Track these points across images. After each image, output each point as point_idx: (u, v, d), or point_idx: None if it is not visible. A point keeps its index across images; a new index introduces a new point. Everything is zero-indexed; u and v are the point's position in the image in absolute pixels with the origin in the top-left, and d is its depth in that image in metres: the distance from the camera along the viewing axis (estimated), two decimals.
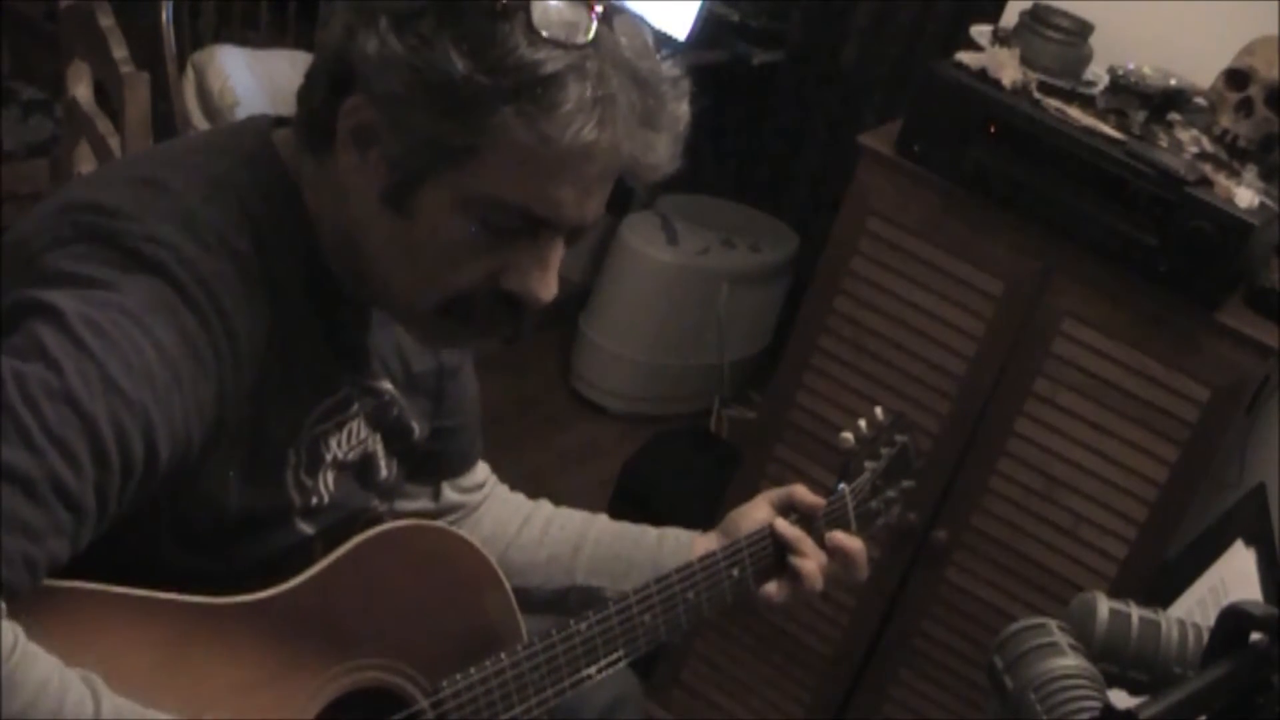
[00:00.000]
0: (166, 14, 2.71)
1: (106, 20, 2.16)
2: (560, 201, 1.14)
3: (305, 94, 1.19)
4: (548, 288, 1.19)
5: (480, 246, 1.15)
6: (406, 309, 1.22)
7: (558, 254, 1.19)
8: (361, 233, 1.18)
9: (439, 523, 1.40)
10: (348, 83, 1.13)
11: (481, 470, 1.58)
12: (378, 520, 1.33)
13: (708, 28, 3.62)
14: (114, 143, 2.15)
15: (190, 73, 3.03)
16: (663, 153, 1.16)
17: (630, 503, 2.68)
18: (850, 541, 1.54)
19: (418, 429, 1.38)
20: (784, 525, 1.51)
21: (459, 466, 1.54)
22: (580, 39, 1.10)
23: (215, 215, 1.14)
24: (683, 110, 1.17)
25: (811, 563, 1.50)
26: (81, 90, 2.27)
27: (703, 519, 1.60)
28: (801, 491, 1.55)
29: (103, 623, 1.11)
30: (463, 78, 1.08)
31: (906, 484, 1.66)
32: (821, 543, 1.52)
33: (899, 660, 2.39)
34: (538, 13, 1.09)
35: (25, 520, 0.99)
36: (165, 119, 2.64)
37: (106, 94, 2.23)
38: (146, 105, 2.16)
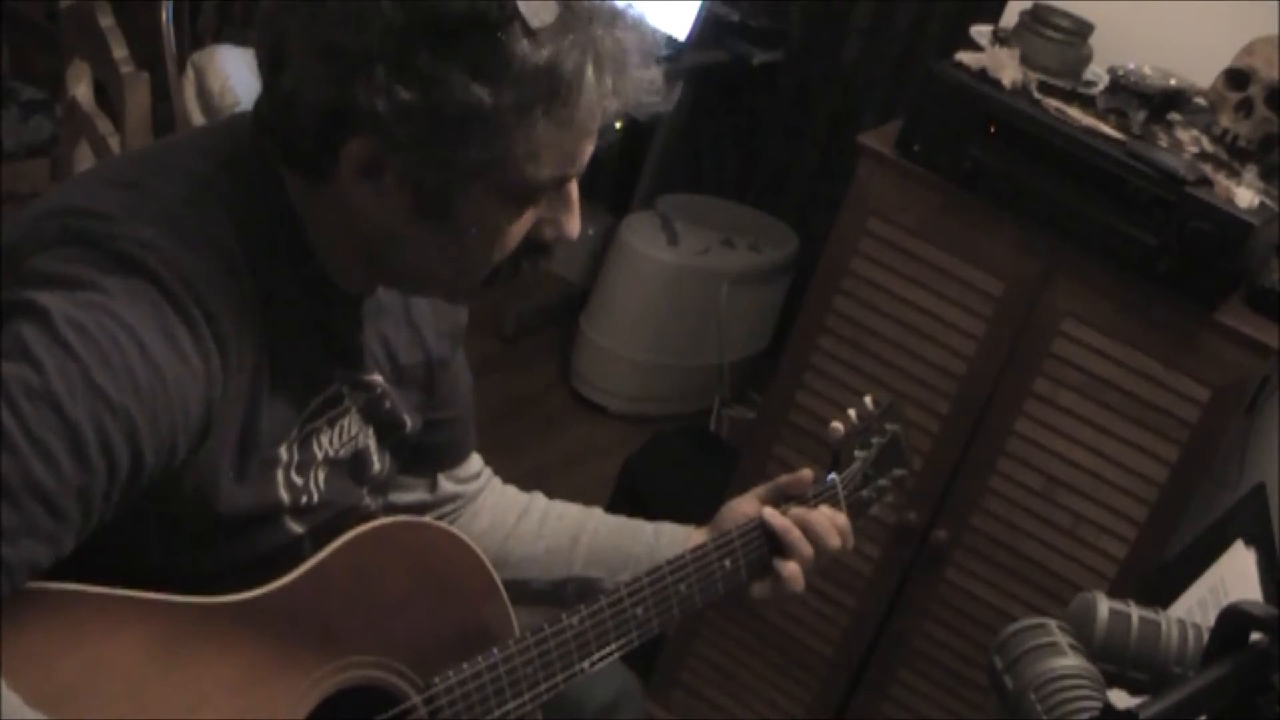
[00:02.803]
0: (166, 14, 2.71)
1: (106, 20, 2.16)
2: (581, 153, 1.18)
3: (286, 131, 1.16)
4: (577, 223, 1.23)
5: (519, 219, 1.19)
6: (453, 292, 1.27)
7: (576, 191, 1.23)
8: (393, 244, 1.19)
9: (427, 519, 1.40)
10: (341, 126, 1.11)
11: (476, 461, 1.59)
12: (368, 517, 1.33)
13: (708, 28, 3.62)
14: (114, 143, 2.15)
15: (190, 73, 3.03)
16: (659, 82, 1.18)
17: (630, 502, 2.68)
18: (817, 517, 1.52)
19: (409, 422, 1.38)
20: (772, 514, 1.52)
21: (454, 457, 1.55)
22: (557, 10, 1.10)
23: (200, 216, 1.13)
24: (653, 32, 1.18)
25: (793, 564, 1.51)
26: (81, 90, 2.27)
27: (702, 519, 1.60)
28: (787, 480, 1.56)
29: (90, 624, 1.10)
30: (490, 106, 1.09)
31: (899, 472, 1.66)
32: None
33: (899, 660, 2.39)
34: (527, 10, 1.08)
35: (2, 524, 0.98)
36: (165, 119, 2.64)
37: (106, 94, 2.23)
38: (146, 105, 2.16)
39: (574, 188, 1.22)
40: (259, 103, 1.19)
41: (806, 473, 1.56)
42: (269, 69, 1.15)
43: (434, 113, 1.09)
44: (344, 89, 1.09)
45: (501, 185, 1.15)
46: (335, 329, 1.26)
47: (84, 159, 2.25)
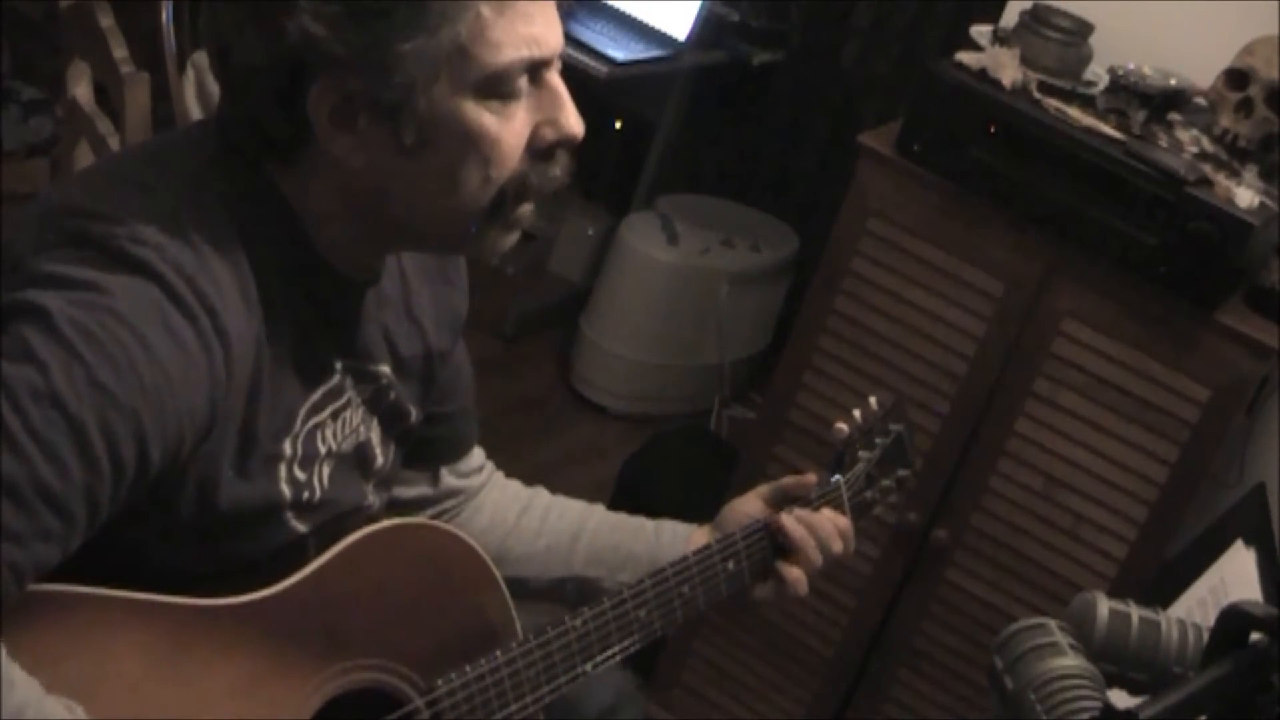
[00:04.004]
0: (166, 14, 2.70)
1: (106, 20, 2.16)
2: (540, 33, 1.16)
3: (253, 117, 1.16)
4: (577, 119, 1.20)
5: (507, 123, 1.16)
6: (463, 230, 1.21)
7: (562, 85, 1.20)
8: (389, 195, 1.18)
9: (433, 521, 1.40)
10: (297, 82, 1.12)
11: (478, 455, 1.58)
12: (373, 518, 1.33)
13: (708, 28, 3.62)
14: (114, 143, 2.15)
15: (190, 73, 3.02)
16: None
17: (630, 503, 2.66)
18: (820, 521, 1.53)
19: (414, 412, 1.39)
20: (776, 516, 1.52)
21: (456, 451, 1.54)
22: None
23: (197, 211, 1.13)
24: None
25: (797, 569, 1.51)
26: (81, 90, 2.27)
27: (702, 520, 1.60)
28: (790, 481, 1.56)
29: (95, 626, 1.10)
30: None
31: (902, 473, 1.66)
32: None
33: (899, 660, 2.39)
34: None
35: (9, 526, 0.98)
36: (165, 119, 2.64)
37: (106, 94, 2.23)
38: (146, 105, 2.16)
39: (556, 80, 1.19)
40: (221, 108, 1.20)
41: (811, 476, 1.56)
42: (219, 65, 1.16)
43: (362, 12, 1.09)
44: (280, 36, 1.10)
45: (467, 80, 1.13)
46: (338, 320, 1.26)
47: (84, 159, 2.25)
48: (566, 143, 1.20)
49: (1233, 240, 1.97)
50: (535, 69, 1.17)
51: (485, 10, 1.11)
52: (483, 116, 1.15)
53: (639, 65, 3.47)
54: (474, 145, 1.15)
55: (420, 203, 1.19)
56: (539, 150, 1.19)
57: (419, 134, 1.14)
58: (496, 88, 1.14)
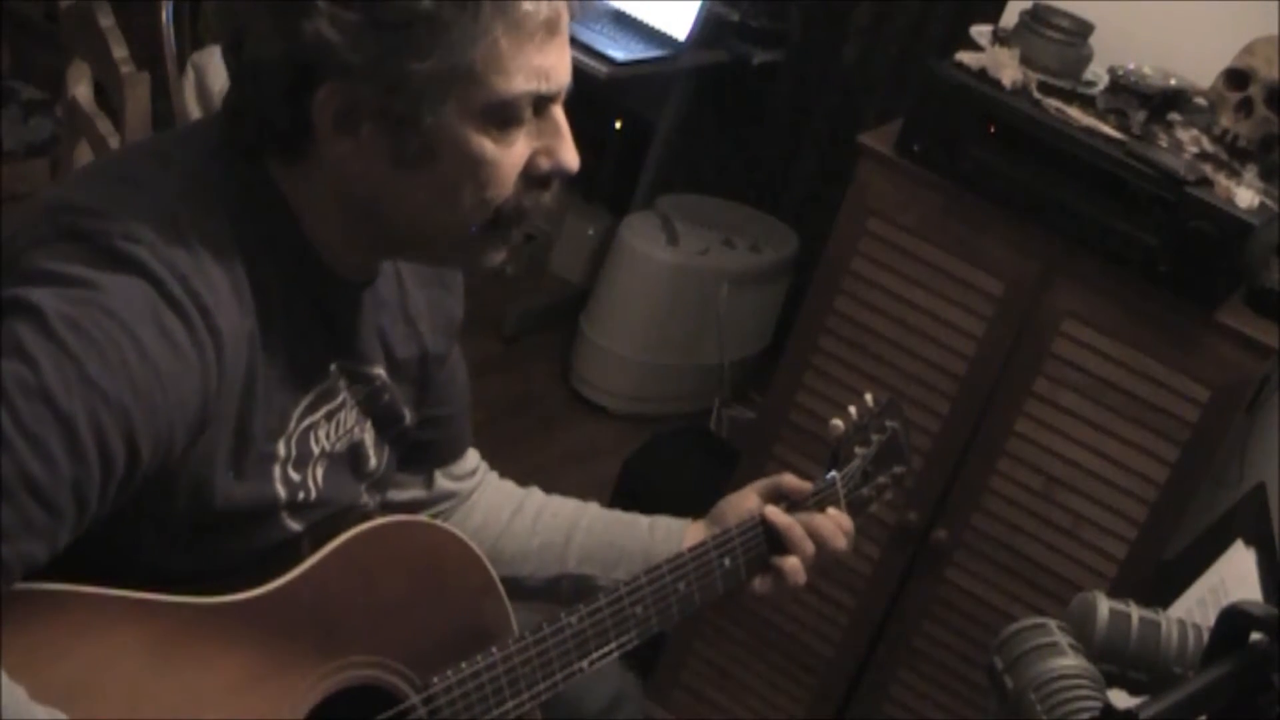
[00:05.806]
0: (166, 14, 2.70)
1: (106, 20, 2.16)
2: (552, 68, 1.17)
3: (257, 108, 1.16)
4: (573, 153, 1.22)
5: (506, 149, 1.17)
6: (457, 244, 1.23)
7: (564, 119, 1.22)
8: (387, 203, 1.18)
9: (427, 518, 1.40)
10: (306, 81, 1.12)
11: (473, 457, 1.58)
12: (366, 516, 1.33)
13: (708, 28, 3.62)
14: (114, 143, 2.15)
15: (190, 73, 3.03)
16: None
17: (629, 503, 2.67)
18: (822, 521, 1.54)
19: (408, 415, 1.39)
20: (774, 513, 1.52)
21: (451, 454, 1.54)
22: None
23: (193, 209, 1.13)
24: None
25: (794, 559, 1.52)
26: (81, 90, 2.27)
27: (701, 518, 1.60)
28: (789, 479, 1.56)
29: (89, 625, 1.10)
30: (434, 4, 1.09)
31: (898, 469, 1.66)
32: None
33: (899, 660, 2.39)
34: None
35: None
36: (165, 119, 2.64)
37: (106, 94, 2.23)
38: (146, 105, 2.16)
39: (559, 113, 1.21)
40: (228, 98, 1.20)
41: (807, 485, 1.57)
42: (231, 54, 1.17)
43: (381, 26, 1.09)
44: (295, 35, 1.10)
45: (474, 104, 1.14)
46: (334, 320, 1.26)
47: (84, 159, 2.25)
48: (561, 175, 1.22)
49: (1233, 240, 1.97)
50: (542, 101, 1.18)
51: (502, 39, 1.12)
52: (485, 140, 1.16)
53: (639, 65, 3.46)
54: (473, 167, 1.16)
55: (412, 214, 1.19)
56: (533, 178, 1.21)
57: (420, 149, 1.15)
58: (502, 114, 1.16)
